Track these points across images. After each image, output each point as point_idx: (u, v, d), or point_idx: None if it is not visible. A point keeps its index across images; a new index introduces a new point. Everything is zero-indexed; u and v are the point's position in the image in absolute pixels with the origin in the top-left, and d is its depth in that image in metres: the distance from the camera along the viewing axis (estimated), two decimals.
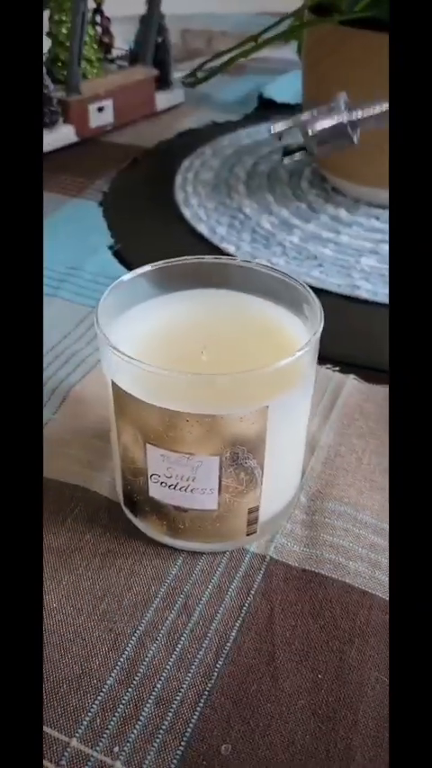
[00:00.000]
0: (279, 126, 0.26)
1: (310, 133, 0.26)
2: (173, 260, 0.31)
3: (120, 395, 0.27)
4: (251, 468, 0.28)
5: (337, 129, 0.26)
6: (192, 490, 0.28)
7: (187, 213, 0.59)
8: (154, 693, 0.26)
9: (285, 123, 0.26)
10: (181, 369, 0.26)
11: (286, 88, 0.82)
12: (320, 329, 0.28)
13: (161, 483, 0.28)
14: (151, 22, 0.74)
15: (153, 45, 0.76)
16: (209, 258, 0.32)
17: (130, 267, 0.49)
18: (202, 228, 0.56)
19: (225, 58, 0.59)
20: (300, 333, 0.30)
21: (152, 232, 0.57)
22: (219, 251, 0.53)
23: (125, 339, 0.29)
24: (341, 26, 0.52)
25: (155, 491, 0.29)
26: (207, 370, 0.28)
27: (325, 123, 0.26)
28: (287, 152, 0.26)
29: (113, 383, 0.28)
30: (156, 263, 0.31)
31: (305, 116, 0.26)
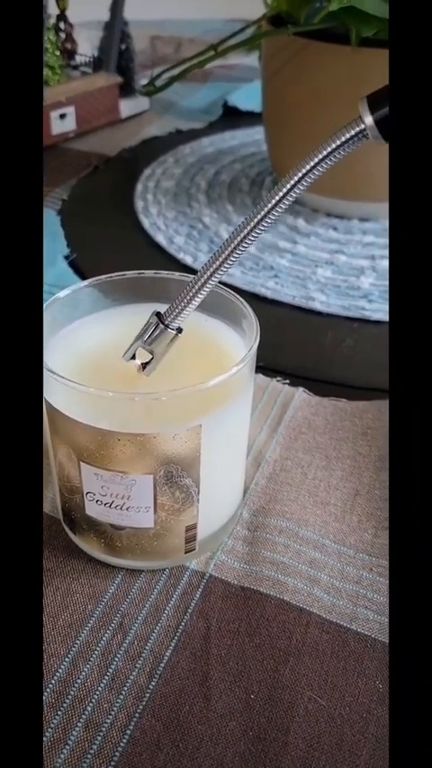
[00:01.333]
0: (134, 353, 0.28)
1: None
2: (112, 275, 0.31)
3: (53, 413, 0.27)
4: (186, 486, 0.28)
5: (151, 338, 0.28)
6: (127, 508, 0.28)
7: (146, 222, 0.58)
8: (84, 716, 0.25)
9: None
10: (115, 387, 0.25)
11: (251, 96, 0.82)
12: (256, 345, 0.28)
13: (96, 501, 0.28)
14: (114, 28, 0.74)
15: (116, 52, 0.75)
16: (148, 273, 0.32)
17: (84, 277, 0.49)
18: (160, 238, 0.56)
19: (185, 66, 0.59)
20: (238, 347, 0.30)
21: (110, 242, 0.56)
22: (176, 261, 0.53)
23: (60, 357, 0.29)
24: (297, 37, 0.52)
25: (91, 509, 0.29)
26: (142, 387, 0.28)
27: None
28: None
29: (47, 401, 0.27)
30: (95, 279, 0.31)
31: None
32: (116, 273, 0.31)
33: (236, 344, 0.30)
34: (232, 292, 0.30)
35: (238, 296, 0.30)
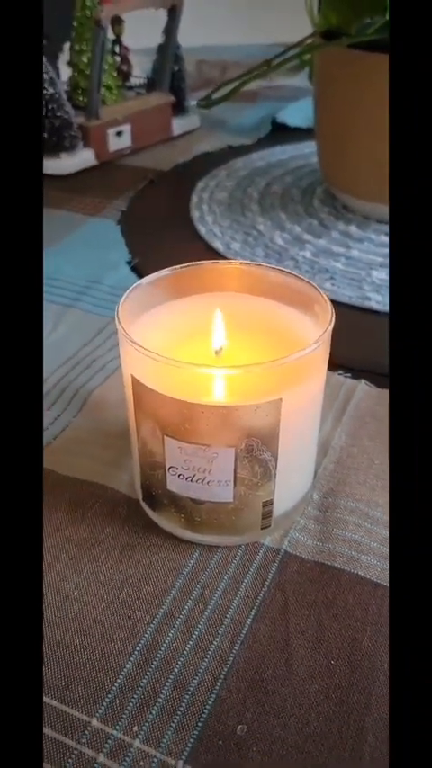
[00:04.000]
0: None
1: None
2: (189, 264, 0.33)
3: (138, 388, 0.29)
4: (265, 460, 0.29)
5: None
6: (208, 482, 0.29)
7: (202, 230, 0.60)
8: (171, 677, 0.27)
9: None
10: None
11: (298, 113, 0.84)
12: (331, 326, 0.29)
13: (179, 475, 0.29)
14: (168, 50, 0.77)
15: (170, 73, 0.78)
16: (223, 262, 0.33)
17: None
18: (218, 245, 0.58)
19: (240, 80, 0.61)
20: (311, 332, 0.31)
21: (168, 248, 0.58)
22: None
23: (143, 338, 0.31)
24: (350, 49, 0.53)
25: (172, 483, 0.30)
26: (223, 365, 0.30)
27: None
28: None
29: (133, 377, 0.29)
30: (174, 267, 0.33)
31: None
32: (193, 263, 0.33)
33: (309, 329, 0.31)
34: (303, 277, 0.31)
35: (309, 281, 0.31)
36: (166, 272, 0.33)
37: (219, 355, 0.31)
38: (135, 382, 0.29)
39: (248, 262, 0.33)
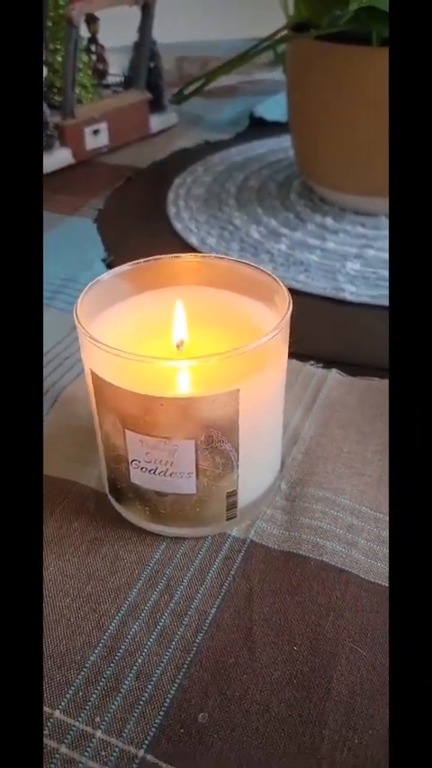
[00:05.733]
0: None
1: None
2: (149, 258, 0.33)
3: (98, 383, 0.29)
4: (226, 451, 0.29)
5: None
6: (170, 474, 0.29)
7: (178, 226, 0.60)
8: (135, 668, 0.27)
9: None
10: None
11: (276, 107, 0.84)
12: (289, 313, 0.29)
13: (141, 468, 0.30)
14: (143, 47, 0.77)
15: (146, 69, 0.78)
16: (184, 255, 0.33)
17: None
18: (193, 240, 0.58)
19: (213, 73, 0.62)
20: (271, 322, 0.31)
21: (144, 245, 0.58)
22: None
23: (104, 334, 0.31)
24: (320, 41, 0.54)
25: (136, 477, 0.30)
26: (181, 358, 0.30)
27: None
28: None
29: (92, 372, 0.29)
30: (134, 262, 0.33)
31: None
32: (151, 258, 0.33)
33: (269, 319, 0.32)
34: (263, 269, 0.32)
35: (268, 272, 0.31)
36: (126, 267, 0.33)
37: (180, 349, 0.31)
38: (95, 377, 0.29)
39: (209, 255, 0.34)
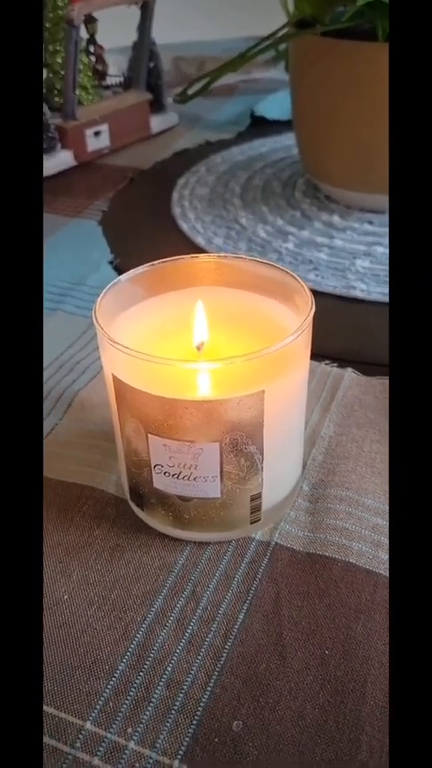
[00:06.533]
0: None
1: None
2: (167, 259, 0.33)
3: (120, 387, 0.28)
4: (251, 453, 0.29)
5: None
6: (194, 478, 0.29)
7: (184, 226, 0.60)
8: (165, 676, 0.26)
9: None
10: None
11: (277, 105, 0.84)
12: (312, 314, 0.29)
13: (164, 473, 0.29)
14: (143, 48, 0.76)
15: (146, 70, 0.78)
16: (202, 256, 0.33)
17: None
18: (200, 240, 0.58)
19: (216, 73, 0.61)
20: (292, 322, 0.31)
21: (151, 246, 0.58)
22: None
23: (123, 336, 0.30)
24: (323, 38, 0.53)
25: (159, 482, 0.30)
26: (203, 360, 0.29)
27: None
28: None
29: (114, 377, 0.28)
30: (151, 263, 0.32)
31: None
32: (170, 258, 0.33)
33: (290, 319, 0.31)
34: (285, 269, 0.31)
35: (290, 271, 0.31)
36: (143, 268, 0.32)
37: (200, 350, 0.31)
38: (116, 381, 0.29)
39: (227, 255, 0.33)
